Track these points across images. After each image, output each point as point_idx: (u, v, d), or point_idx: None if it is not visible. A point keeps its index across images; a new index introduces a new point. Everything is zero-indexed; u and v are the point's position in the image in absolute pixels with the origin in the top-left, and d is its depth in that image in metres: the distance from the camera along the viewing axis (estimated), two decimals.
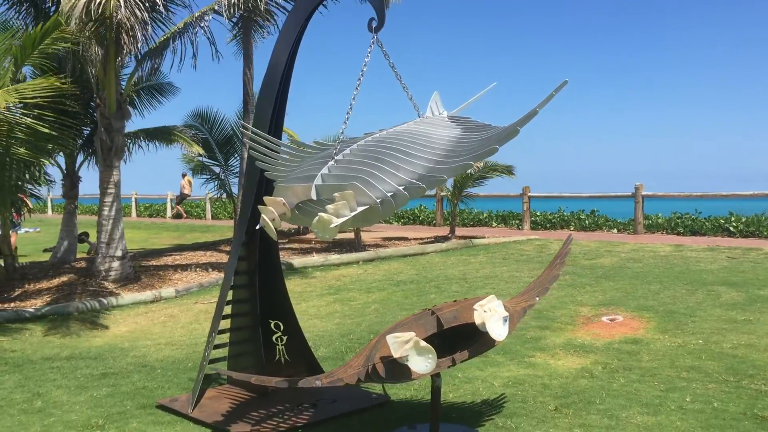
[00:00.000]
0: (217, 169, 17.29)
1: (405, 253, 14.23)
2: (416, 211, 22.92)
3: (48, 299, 10.27)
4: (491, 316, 4.15)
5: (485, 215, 21.07)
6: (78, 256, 15.02)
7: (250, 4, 12.32)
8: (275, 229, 4.34)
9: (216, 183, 17.44)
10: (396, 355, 4.04)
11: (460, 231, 18.64)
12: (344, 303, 9.95)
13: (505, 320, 4.19)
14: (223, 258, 14.12)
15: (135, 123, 14.67)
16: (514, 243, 15.20)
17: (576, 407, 5.39)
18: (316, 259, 13.43)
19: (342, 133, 4.74)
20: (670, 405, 5.37)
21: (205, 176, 17.50)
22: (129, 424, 5.22)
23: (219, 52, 12.30)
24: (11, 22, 11.12)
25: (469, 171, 15.34)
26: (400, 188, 4.21)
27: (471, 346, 4.32)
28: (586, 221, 18.62)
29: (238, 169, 15.60)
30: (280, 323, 6.01)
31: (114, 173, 11.31)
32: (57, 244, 14.53)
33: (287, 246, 16.15)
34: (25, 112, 8.10)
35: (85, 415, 5.46)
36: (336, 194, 4.15)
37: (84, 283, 11.23)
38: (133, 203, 33.35)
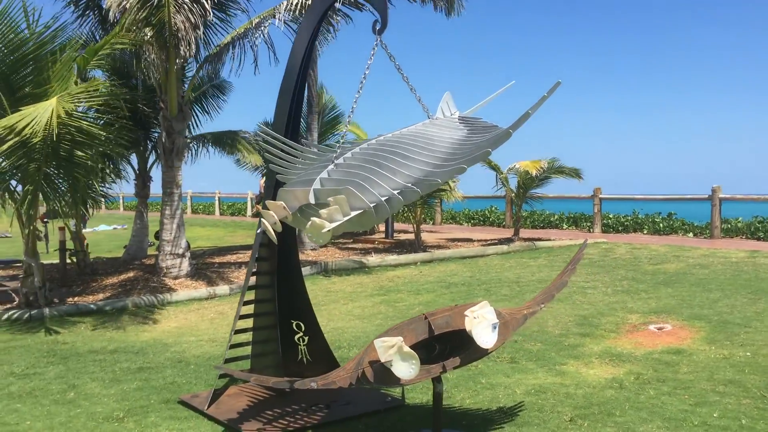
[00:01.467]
0: None
1: (464, 255, 14.10)
2: (486, 212, 22.67)
3: (109, 294, 10.73)
4: (479, 323, 4.06)
5: (556, 217, 20.61)
6: (151, 253, 15.62)
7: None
8: (275, 232, 4.38)
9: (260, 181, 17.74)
10: (381, 359, 4.02)
11: (526, 233, 18.32)
12: (390, 304, 9.94)
13: (494, 327, 4.09)
14: None
15: (205, 126, 15.17)
16: (579, 246, 14.77)
17: (593, 419, 5.21)
18: (373, 259, 13.49)
19: (344, 136, 4.75)
20: (693, 420, 5.12)
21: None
22: (147, 418, 5.40)
23: (277, 57, 12.54)
24: (76, 31, 11.67)
25: (533, 172, 15.05)
26: (395, 192, 4.18)
27: (463, 353, 4.23)
28: (661, 224, 17.94)
29: None
30: (301, 324, 6.07)
31: (175, 174, 11.71)
32: (129, 241, 15.17)
33: (351, 246, 16.29)
34: (79, 115, 8.49)
35: (109, 407, 5.68)
36: (330, 198, 4.16)
37: (146, 279, 11.68)
38: (217, 202, 34.34)
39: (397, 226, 20.25)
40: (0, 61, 8.83)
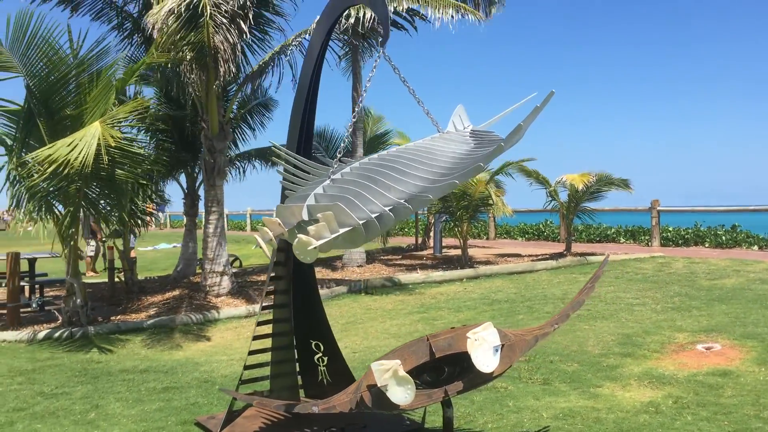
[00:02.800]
0: None
1: (512, 271, 13.74)
2: (541, 226, 22.17)
3: (152, 312, 10.83)
4: (479, 345, 3.82)
5: (613, 231, 19.97)
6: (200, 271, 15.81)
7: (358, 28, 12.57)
8: (271, 249, 4.26)
9: None
10: (378, 383, 3.83)
11: (581, 247, 17.81)
12: (428, 322, 9.71)
13: (496, 350, 3.85)
14: (330, 275, 14.31)
15: (249, 143, 15.34)
16: (634, 261, 14.25)
17: None
18: (417, 276, 13.28)
19: (341, 151, 4.60)
20: None
21: None
22: None
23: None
24: (121, 53, 11.92)
25: (579, 186, 14.61)
26: (386, 209, 4.00)
27: (467, 377, 4.00)
28: (723, 237, 17.13)
29: None
30: (320, 344, 5.92)
31: (217, 192, 11.80)
32: (178, 259, 15.38)
33: (398, 262, 16.12)
34: (119, 135, 8.60)
35: (126, 428, 5.64)
36: (319, 215, 4.01)
37: (190, 297, 11.76)
38: None
39: (448, 241, 19.97)
40: (40, 81, 9.01)
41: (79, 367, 7.84)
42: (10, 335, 9.34)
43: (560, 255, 15.31)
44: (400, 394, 3.76)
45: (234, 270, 16.53)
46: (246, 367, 5.70)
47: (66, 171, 8.20)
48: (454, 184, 4.06)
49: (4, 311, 10.22)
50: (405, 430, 5.42)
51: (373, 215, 3.99)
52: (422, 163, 4.32)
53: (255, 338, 5.71)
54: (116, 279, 12.89)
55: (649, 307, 9.76)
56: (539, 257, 15.60)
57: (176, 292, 12.54)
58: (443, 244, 18.46)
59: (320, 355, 5.95)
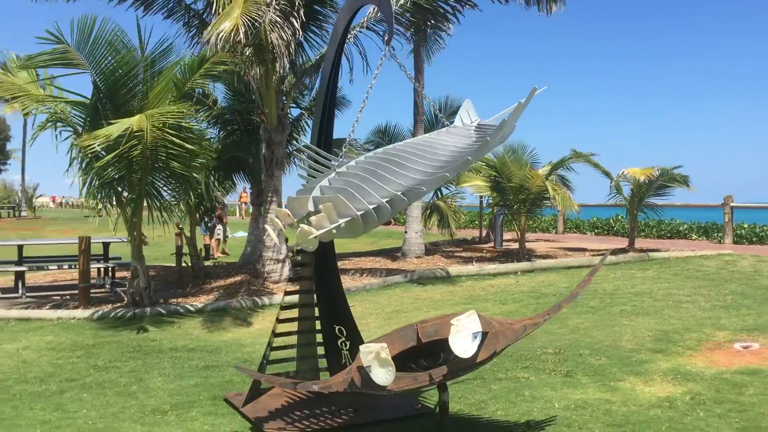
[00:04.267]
0: None
1: (569, 265, 13.66)
2: (611, 221, 21.78)
3: (212, 296, 11.41)
4: (458, 331, 4.01)
5: (685, 227, 19.42)
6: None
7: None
8: (281, 238, 4.56)
9: None
10: (363, 364, 4.08)
11: (648, 243, 17.45)
12: None
13: (475, 337, 4.02)
14: (387, 264, 14.59)
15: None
16: (699, 258, 13.90)
17: None
18: (471, 268, 13.39)
19: (346, 144, 4.85)
20: None
21: None
22: (188, 413, 5.74)
23: (369, 65, 12.83)
24: (190, 51, 12.50)
25: (641, 178, 14.34)
26: (384, 201, 4.25)
27: (448, 362, 4.20)
28: None
29: None
30: (343, 329, 6.22)
31: (275, 183, 12.26)
32: (244, 247, 16.01)
33: (458, 254, 16.25)
34: (171, 132, 9.14)
35: (161, 400, 6.09)
36: (320, 206, 4.29)
37: (249, 283, 12.29)
38: None
39: (513, 235, 19.89)
40: (106, 76, 9.64)
41: (134, 344, 8.42)
42: (79, 313, 10.07)
43: (623, 250, 15.07)
44: (382, 375, 4.00)
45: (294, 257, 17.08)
46: (272, 348, 6.04)
47: (125, 159, 8.81)
48: (446, 177, 4.26)
49: (77, 291, 11.01)
50: (414, 413, 5.64)
51: (371, 207, 4.24)
52: (422, 157, 4.53)
53: (280, 321, 6.03)
54: (183, 264, 13.58)
55: (698, 304, 9.59)
56: (601, 252, 15.40)
57: (238, 278, 13.11)
58: (506, 238, 18.42)
59: (343, 339, 6.25)
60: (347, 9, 5.69)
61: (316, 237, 4.17)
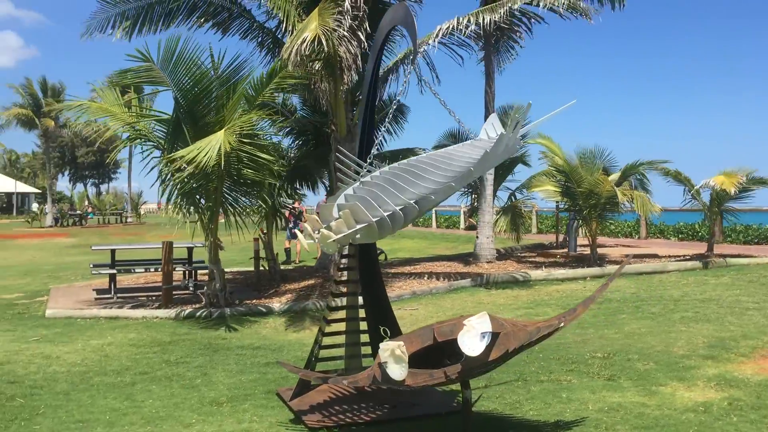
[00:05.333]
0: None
1: (641, 271, 13.50)
2: (696, 226, 21.15)
3: (284, 299, 11.99)
4: (467, 331, 4.28)
5: None
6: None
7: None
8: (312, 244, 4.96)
9: (472, 196, 18.24)
10: (380, 360, 4.42)
11: (732, 249, 16.94)
12: (530, 318, 9.99)
13: (483, 336, 4.28)
14: (458, 269, 14.83)
15: (386, 146, 16.17)
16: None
17: None
18: (540, 273, 13.46)
19: (371, 156, 5.20)
20: None
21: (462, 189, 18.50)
22: (242, 405, 6.22)
23: (438, 77, 13.16)
24: (254, 64, 13.17)
25: (731, 190, 13.88)
26: (398, 209, 4.59)
27: (461, 360, 4.46)
28: None
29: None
30: (387, 330, 6.56)
31: None
32: (320, 251, 16.61)
33: (532, 259, 16.30)
34: (246, 142, 9.80)
35: (220, 393, 6.61)
36: (339, 212, 4.68)
37: (321, 286, 12.82)
38: (433, 215, 35.51)
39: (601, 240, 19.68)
40: (186, 93, 10.40)
41: (206, 342, 9.04)
42: (161, 312, 10.85)
43: (702, 256, 14.73)
44: (397, 370, 4.32)
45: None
46: (321, 347, 6.45)
47: (200, 170, 9.48)
48: (452, 186, 4.57)
49: (160, 293, 11.83)
50: (449, 410, 5.92)
51: (386, 214, 4.59)
52: (438, 168, 4.84)
53: (328, 322, 6.44)
54: (261, 267, 14.28)
55: (764, 312, 9.39)
56: (678, 258, 15.11)
57: (312, 281, 13.68)
58: (581, 243, 18.27)
59: (387, 339, 6.59)
60: (380, 32, 6.05)
61: (335, 241, 4.56)
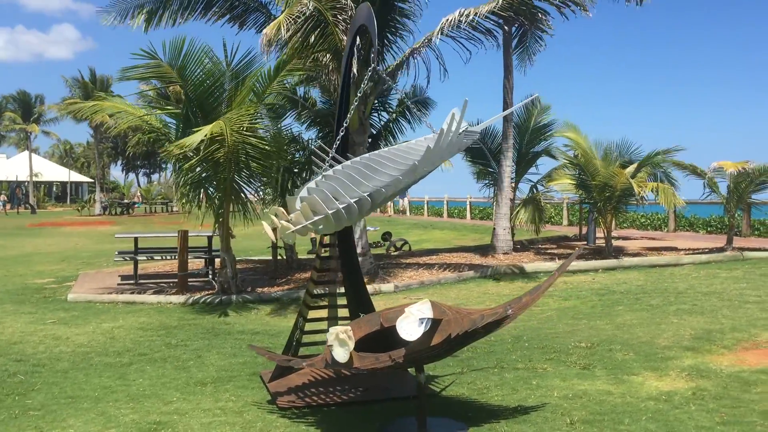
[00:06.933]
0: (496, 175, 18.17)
1: (654, 263, 13.47)
2: (725, 219, 20.79)
3: (292, 286, 12.33)
4: (405, 317, 4.50)
5: None
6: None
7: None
8: (276, 235, 5.23)
9: (493, 188, 18.30)
10: (327, 343, 4.68)
11: (757, 243, 16.69)
12: (529, 309, 10.09)
13: (422, 322, 4.49)
14: (472, 260, 14.97)
15: (408, 136, 16.33)
16: None
17: (595, 425, 5.24)
18: (550, 264, 13.53)
19: (334, 149, 5.44)
20: None
21: (484, 181, 18.60)
22: (224, 386, 6.55)
23: (447, 71, 13.30)
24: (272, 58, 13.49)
25: (732, 171, 13.78)
26: (352, 201, 4.83)
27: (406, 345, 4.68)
28: None
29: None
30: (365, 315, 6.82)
31: None
32: None
33: (551, 251, 16.34)
34: (248, 135, 10.13)
35: (207, 375, 6.95)
36: (298, 205, 4.95)
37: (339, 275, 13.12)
38: (468, 206, 35.54)
39: (619, 232, 19.62)
40: (196, 87, 10.78)
41: (209, 327, 9.42)
42: (174, 298, 11.30)
43: (720, 249, 14.59)
44: (340, 353, 4.57)
45: (397, 252, 17.79)
46: (302, 332, 6.74)
47: (210, 159, 9.89)
48: (399, 180, 4.79)
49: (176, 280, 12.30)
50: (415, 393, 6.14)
51: (342, 206, 4.84)
52: (395, 162, 5.06)
53: (309, 308, 6.73)
54: (279, 257, 14.66)
55: (763, 306, 9.35)
56: (695, 251, 14.98)
57: None
58: (600, 235, 18.20)
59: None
60: (351, 30, 6.28)
61: (293, 232, 4.82)
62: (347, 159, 5.67)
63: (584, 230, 19.86)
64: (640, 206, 15.87)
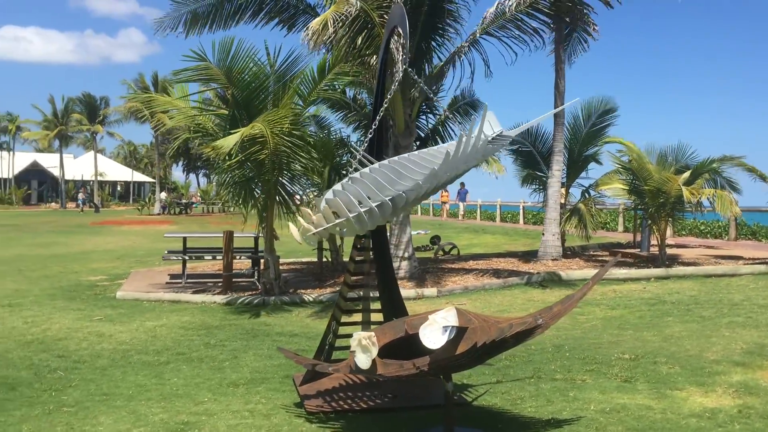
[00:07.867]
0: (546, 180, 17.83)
1: (710, 273, 12.97)
2: None
3: (335, 289, 12.30)
4: (428, 324, 4.38)
5: None
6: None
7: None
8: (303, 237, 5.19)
9: (543, 193, 17.97)
10: (351, 349, 4.60)
11: None
12: (572, 317, 9.85)
13: (445, 330, 4.36)
14: (519, 266, 14.71)
15: (456, 139, 16.13)
16: None
17: None
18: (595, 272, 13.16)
19: (362, 149, 5.36)
20: None
21: (532, 186, 18.27)
22: (257, 387, 6.54)
23: (490, 69, 13.12)
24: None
25: None
26: (374, 205, 4.75)
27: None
28: None
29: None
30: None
31: None
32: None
33: (601, 258, 15.94)
34: (287, 139, 10.18)
35: (241, 376, 6.96)
36: (321, 207, 4.89)
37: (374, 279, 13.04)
38: (521, 210, 35.05)
39: (676, 240, 19.01)
40: (242, 89, 10.87)
41: (249, 328, 9.46)
42: (219, 298, 11.40)
43: None
44: (363, 359, 4.49)
45: (444, 257, 17.64)
46: (336, 336, 6.68)
47: (255, 160, 9.95)
48: (420, 185, 4.68)
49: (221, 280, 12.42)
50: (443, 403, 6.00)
51: (363, 209, 4.77)
52: (420, 167, 4.96)
53: (343, 312, 6.67)
54: (325, 258, 14.66)
55: None
56: (755, 261, 14.38)
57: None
58: (655, 243, 17.68)
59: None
60: (385, 33, 6.20)
61: (314, 234, 4.77)
62: (381, 160, 5.60)
63: (638, 237, 19.32)
64: (697, 213, 15.33)
